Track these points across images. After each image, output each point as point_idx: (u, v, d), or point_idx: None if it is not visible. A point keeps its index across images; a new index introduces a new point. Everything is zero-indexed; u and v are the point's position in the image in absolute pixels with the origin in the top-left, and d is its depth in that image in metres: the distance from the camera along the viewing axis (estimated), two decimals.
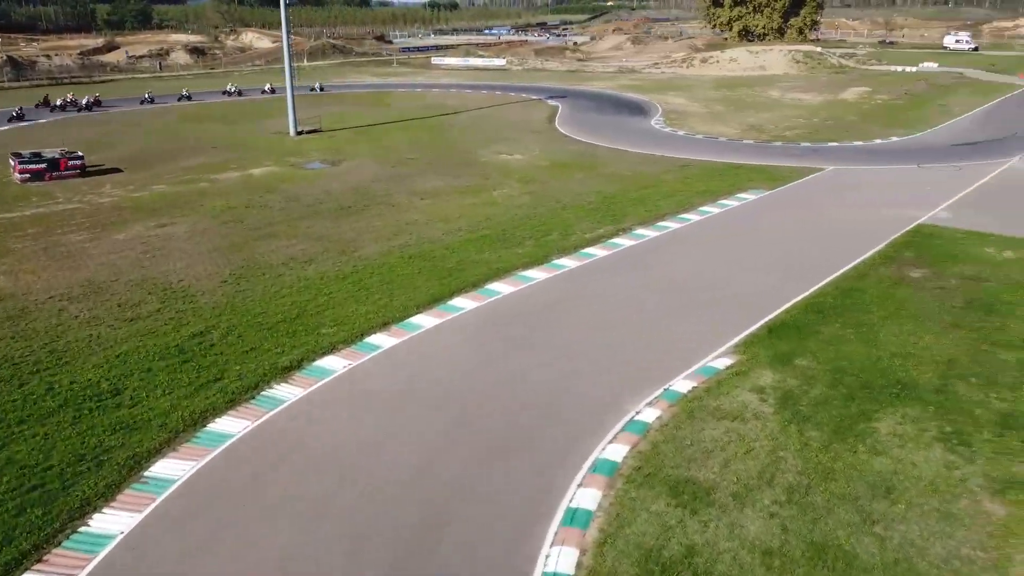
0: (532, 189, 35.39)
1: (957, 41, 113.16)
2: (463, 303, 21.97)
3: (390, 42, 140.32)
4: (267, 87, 70.35)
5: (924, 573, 11.49)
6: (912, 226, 28.91)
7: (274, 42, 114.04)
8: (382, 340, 19.62)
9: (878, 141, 46.70)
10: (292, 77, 48.88)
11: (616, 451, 14.60)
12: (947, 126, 52.00)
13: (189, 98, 64.77)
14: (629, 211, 31.28)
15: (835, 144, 45.90)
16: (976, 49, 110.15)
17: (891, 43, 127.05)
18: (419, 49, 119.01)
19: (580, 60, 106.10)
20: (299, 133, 49.14)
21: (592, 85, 77.81)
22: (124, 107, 60.94)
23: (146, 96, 63.16)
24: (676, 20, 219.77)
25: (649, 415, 15.86)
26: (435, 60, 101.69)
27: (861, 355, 18.45)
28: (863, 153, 43.55)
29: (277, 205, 32.66)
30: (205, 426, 15.66)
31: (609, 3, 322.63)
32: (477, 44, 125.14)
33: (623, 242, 27.45)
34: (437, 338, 19.85)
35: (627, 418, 15.80)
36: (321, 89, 72.05)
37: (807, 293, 22.42)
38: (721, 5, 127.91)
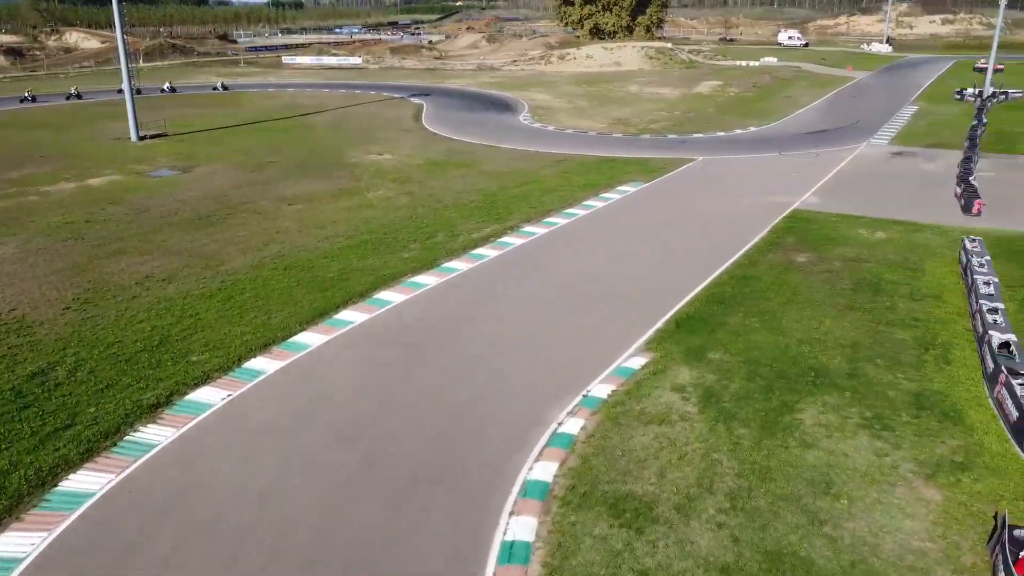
0: (410, 189, 33.62)
1: (790, 38, 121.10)
2: (351, 316, 20.04)
3: (234, 41, 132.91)
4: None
5: (882, 572, 10.98)
6: (788, 212, 29.60)
7: (103, 42, 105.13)
8: (264, 364, 17.41)
9: (738, 131, 48.28)
10: (130, 78, 44.36)
11: (545, 470, 13.35)
12: (796, 116, 54.68)
13: (33, 99, 58.98)
14: (513, 208, 30.20)
15: (700, 135, 47.01)
16: (807, 45, 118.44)
17: (731, 40, 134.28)
18: (268, 48, 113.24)
19: (437, 58, 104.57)
20: (142, 138, 44.73)
21: (454, 83, 76.54)
22: None
23: None
24: (526, 19, 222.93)
25: (573, 426, 14.72)
26: (286, 59, 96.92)
27: (770, 344, 18.20)
28: (727, 143, 44.78)
29: (124, 218, 29.12)
30: (56, 485, 13.04)
31: (459, 3, 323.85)
32: (330, 43, 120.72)
33: (513, 241, 26.30)
34: (327, 357, 17.86)
35: (550, 431, 14.59)
36: (173, 90, 66.80)
37: (705, 283, 22.14)
38: (572, 4, 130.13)
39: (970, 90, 61.89)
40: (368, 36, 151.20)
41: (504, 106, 59.98)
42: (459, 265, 23.86)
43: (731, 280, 22.43)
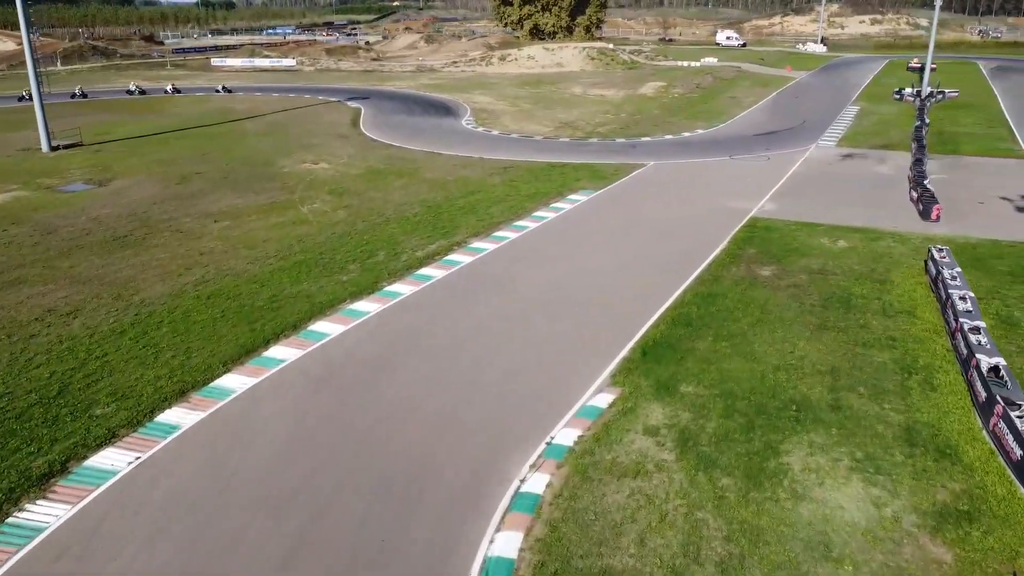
0: (347, 202, 31.43)
1: (728, 38, 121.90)
2: (282, 352, 17.91)
3: (161, 43, 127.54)
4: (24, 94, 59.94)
5: None
6: (745, 220, 28.46)
7: (19, 44, 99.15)
8: (180, 416, 15.20)
9: (687, 134, 47.31)
10: (39, 83, 40.92)
11: (509, 543, 11.55)
12: (742, 117, 54.12)
13: None
14: (460, 221, 28.34)
15: (649, 139, 45.84)
16: (744, 45, 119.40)
17: (670, 40, 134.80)
18: (196, 50, 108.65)
19: (375, 60, 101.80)
20: (54, 148, 41.34)
21: (393, 85, 74.13)
22: None
23: None
24: (464, 20, 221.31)
25: (538, 484, 12.96)
26: (216, 62, 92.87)
27: (745, 372, 16.77)
28: (677, 146, 43.69)
29: (27, 240, 26.26)
30: None
31: (396, 3, 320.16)
32: (262, 44, 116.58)
33: (461, 258, 24.43)
34: (254, 406, 15.70)
35: (512, 491, 12.81)
36: (84, 95, 62.60)
37: (669, 303, 20.68)
38: (511, 4, 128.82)
39: (908, 90, 62.44)
40: (302, 37, 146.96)
41: (445, 109, 57.97)
42: (403, 288, 21.89)
43: (695, 299, 21.00)
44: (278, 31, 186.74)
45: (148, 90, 68.10)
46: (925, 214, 28.61)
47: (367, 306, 20.59)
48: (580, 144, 44.56)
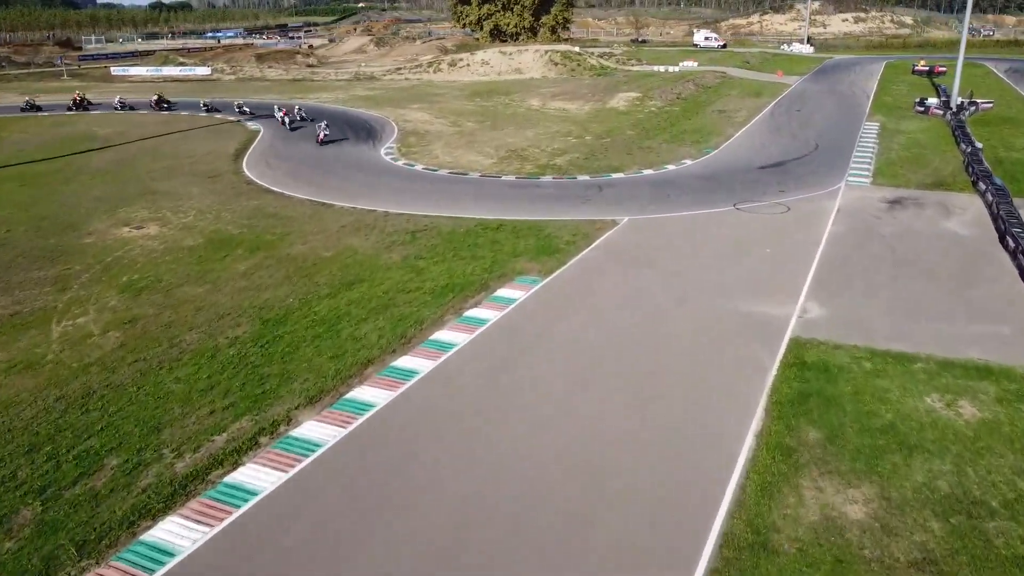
0: (139, 311, 19.46)
1: (706, 39, 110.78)
2: None
3: (79, 48, 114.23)
4: None
5: None
6: (783, 348, 16.95)
7: None
8: None
9: (670, 167, 35.81)
10: None
11: None
12: (737, 139, 42.88)
13: None
14: (299, 366, 16.45)
15: (621, 175, 34.27)
16: (724, 46, 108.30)
17: (643, 41, 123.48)
18: (107, 56, 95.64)
19: (311, 66, 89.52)
20: None
21: (318, 97, 62.06)
22: None
23: None
24: (429, 21, 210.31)
25: None
26: (116, 70, 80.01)
27: None
28: (658, 187, 32.15)
29: None
30: None
31: (361, 4, 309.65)
32: (181, 50, 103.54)
33: (252, 479, 12.56)
34: None
35: None
36: None
37: None
38: (468, 3, 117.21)
39: (933, 100, 51.62)
40: (241, 40, 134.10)
41: (367, 131, 46.05)
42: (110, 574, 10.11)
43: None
44: (219, 34, 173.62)
45: (45, 106, 55.73)
46: None
47: None
48: (529, 185, 32.92)
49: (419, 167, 36.33)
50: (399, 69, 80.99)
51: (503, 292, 20.41)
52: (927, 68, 73.60)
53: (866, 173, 34.00)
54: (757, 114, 50.87)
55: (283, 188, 32.26)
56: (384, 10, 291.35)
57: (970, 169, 33.00)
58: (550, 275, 21.66)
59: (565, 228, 25.92)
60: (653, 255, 23.47)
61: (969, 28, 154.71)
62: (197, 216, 28.15)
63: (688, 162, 36.88)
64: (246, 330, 18.15)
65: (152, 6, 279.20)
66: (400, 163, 37.44)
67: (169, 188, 32.30)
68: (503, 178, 34.09)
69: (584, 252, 23.66)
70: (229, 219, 27.77)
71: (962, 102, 49.17)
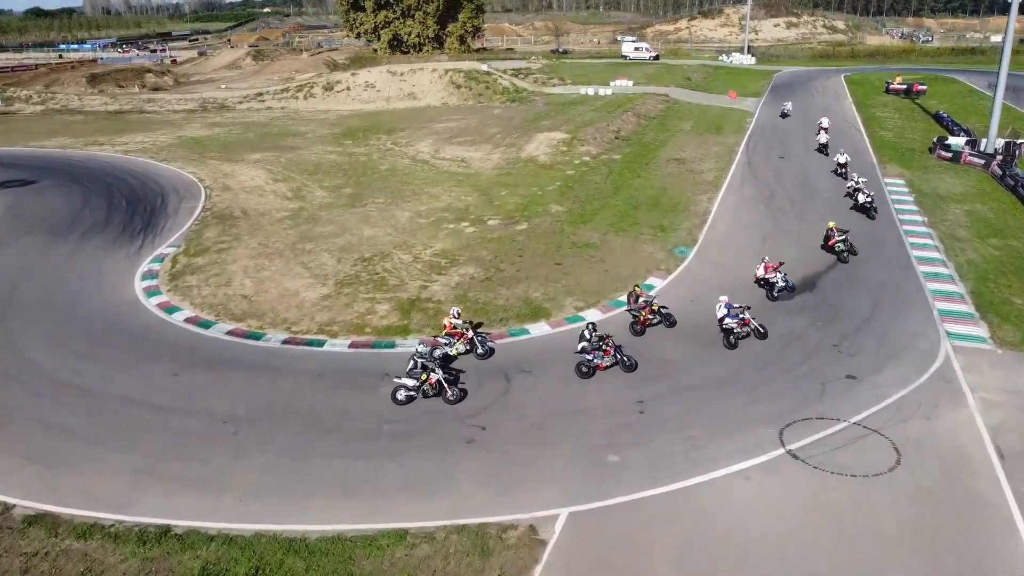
0: None
1: (636, 49, 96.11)
2: None
3: None
4: None
5: None
6: None
7: None
8: None
9: (618, 302, 20.47)
10: None
11: None
12: (718, 218, 28.11)
13: None
14: None
15: (539, 342, 18.70)
16: (657, 57, 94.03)
17: (564, 51, 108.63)
18: None
19: (156, 89, 71.37)
20: None
21: (123, 145, 44.64)
22: None
23: None
24: (335, 28, 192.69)
25: None
26: None
27: None
28: (625, 390, 16.76)
29: None
30: None
31: (266, 9, 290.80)
32: None
33: None
34: None
35: None
36: None
37: None
38: (363, 9, 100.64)
39: (958, 141, 38.13)
40: (91, 55, 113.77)
41: (144, 219, 29.33)
42: None
43: None
44: (89, 45, 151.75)
45: None
46: None
47: None
48: (374, 376, 17.01)
49: (180, 320, 20.00)
50: (260, 95, 63.57)
51: None
52: (904, 87, 60.98)
53: (964, 308, 19.55)
54: (729, 166, 36.26)
55: None
56: (288, 15, 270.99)
57: None
58: None
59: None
60: None
61: (902, 32, 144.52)
62: None
63: (657, 285, 21.65)
64: None
65: (31, 12, 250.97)
66: (153, 304, 21.02)
67: None
68: (325, 348, 18.09)
69: None
70: None
71: (1006, 143, 35.76)
